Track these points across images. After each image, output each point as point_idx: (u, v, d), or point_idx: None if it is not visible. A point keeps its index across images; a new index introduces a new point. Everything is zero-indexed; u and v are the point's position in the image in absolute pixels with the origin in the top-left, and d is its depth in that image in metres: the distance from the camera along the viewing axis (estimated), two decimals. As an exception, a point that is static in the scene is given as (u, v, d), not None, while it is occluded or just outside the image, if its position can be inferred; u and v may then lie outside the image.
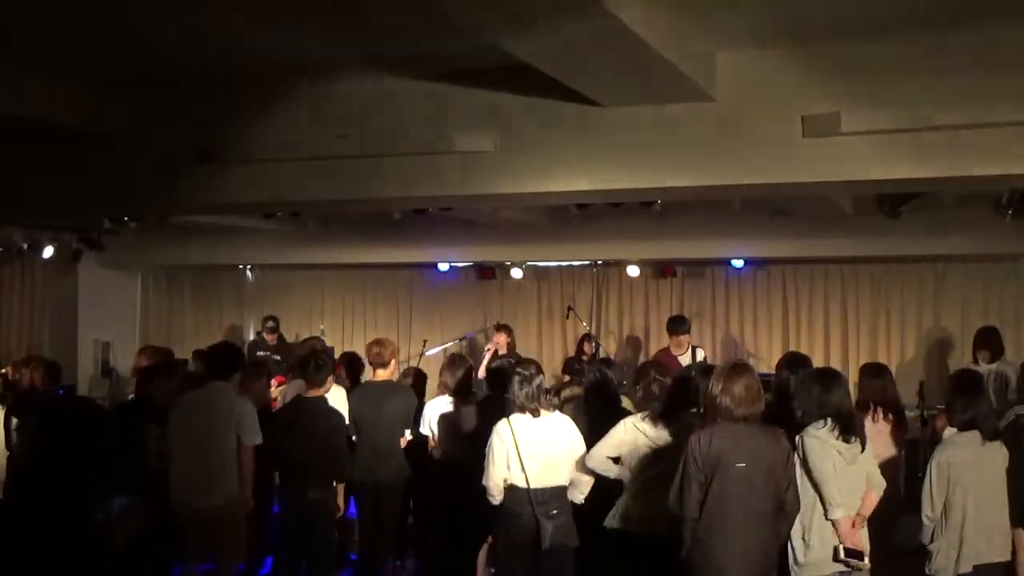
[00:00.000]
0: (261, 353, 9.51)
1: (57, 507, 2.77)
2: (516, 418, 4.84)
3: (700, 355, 8.69)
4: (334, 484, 5.65)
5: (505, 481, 4.81)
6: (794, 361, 5.18)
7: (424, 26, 4.30)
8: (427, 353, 9.91)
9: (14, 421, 6.03)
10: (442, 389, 6.03)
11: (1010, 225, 7.21)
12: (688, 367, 8.17)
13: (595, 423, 5.02)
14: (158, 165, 5.90)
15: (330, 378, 5.74)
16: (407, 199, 6.18)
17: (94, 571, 2.83)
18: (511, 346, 9.04)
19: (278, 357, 9.39)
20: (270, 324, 9.96)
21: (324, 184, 5.64)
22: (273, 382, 7.42)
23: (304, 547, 5.48)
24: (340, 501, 5.85)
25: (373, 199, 5.98)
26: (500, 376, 5.50)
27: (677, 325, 8.79)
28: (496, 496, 4.84)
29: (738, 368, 4.07)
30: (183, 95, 5.71)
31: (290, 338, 10.47)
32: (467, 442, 5.54)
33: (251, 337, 11.28)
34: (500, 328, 9.29)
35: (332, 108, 5.50)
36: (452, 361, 6.15)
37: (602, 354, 9.48)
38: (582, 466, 4.82)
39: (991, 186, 6.06)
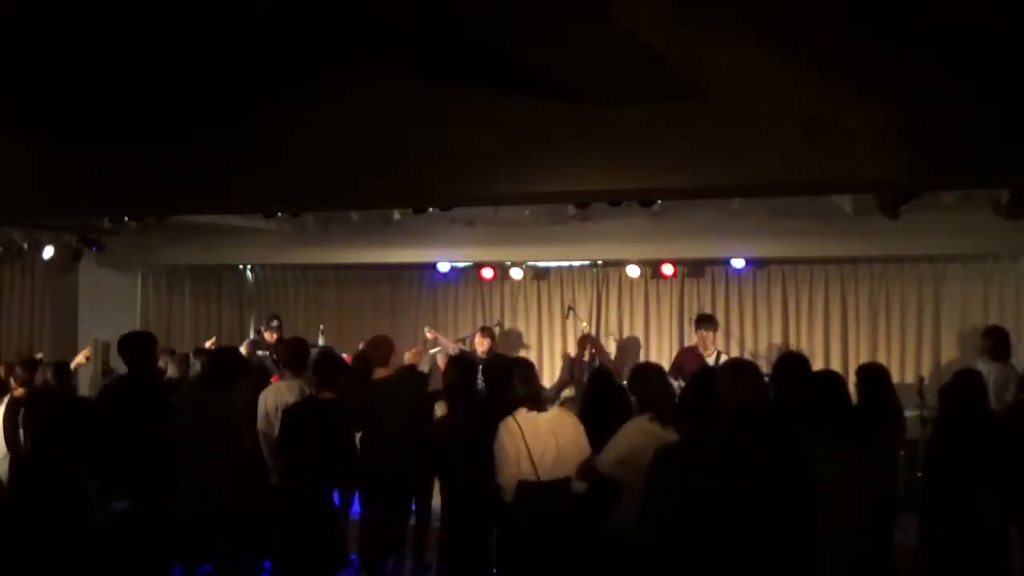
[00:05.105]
0: (260, 352, 9.50)
1: (57, 508, 2.77)
2: (521, 414, 4.88)
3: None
4: (342, 484, 5.68)
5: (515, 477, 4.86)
6: (792, 362, 5.15)
7: (426, 27, 4.30)
8: (428, 353, 9.91)
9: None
10: (442, 389, 6.04)
11: (1010, 225, 7.21)
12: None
13: (595, 424, 5.03)
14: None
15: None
16: (408, 200, 6.17)
17: (94, 572, 2.83)
18: (491, 350, 9.11)
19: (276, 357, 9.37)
20: (274, 323, 9.87)
21: (325, 186, 5.65)
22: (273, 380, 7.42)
23: (308, 547, 5.48)
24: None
25: (373, 200, 5.98)
26: (495, 376, 5.54)
27: (701, 322, 8.79)
28: (509, 493, 4.88)
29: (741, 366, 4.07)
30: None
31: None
32: (467, 442, 5.54)
33: (251, 336, 11.28)
34: (483, 331, 9.47)
35: (332, 108, 5.50)
36: (452, 361, 6.16)
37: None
38: (583, 470, 4.84)
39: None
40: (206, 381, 5.66)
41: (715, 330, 8.87)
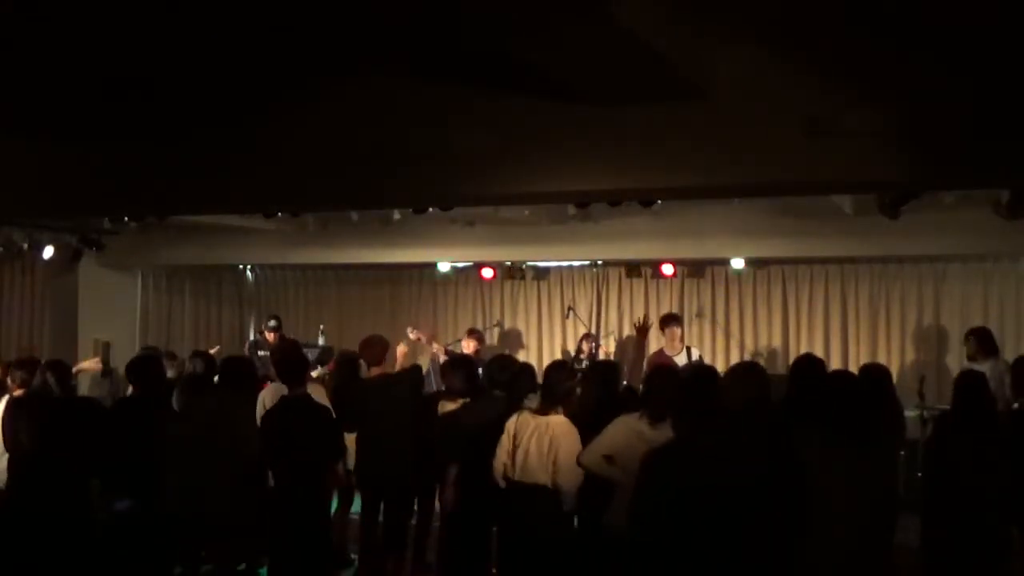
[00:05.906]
0: (261, 353, 9.53)
1: (58, 508, 2.77)
2: (522, 414, 5.06)
3: (695, 355, 8.73)
4: (331, 482, 5.67)
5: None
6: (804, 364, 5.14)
7: (426, 27, 4.30)
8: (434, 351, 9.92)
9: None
10: (444, 390, 6.05)
11: (1010, 225, 7.22)
12: (683, 367, 8.22)
13: (595, 423, 5.04)
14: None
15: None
16: (408, 200, 6.16)
17: (95, 572, 2.83)
18: (478, 353, 9.06)
19: None
20: (272, 324, 9.90)
21: (325, 186, 5.65)
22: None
23: (303, 547, 5.48)
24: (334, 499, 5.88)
25: (373, 200, 5.98)
26: (497, 376, 5.59)
27: (666, 321, 8.89)
28: (500, 481, 5.09)
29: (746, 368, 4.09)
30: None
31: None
32: (468, 442, 5.55)
33: (252, 337, 11.30)
34: (470, 333, 9.38)
35: (332, 108, 5.50)
36: (453, 362, 6.16)
37: (601, 355, 9.50)
38: (566, 474, 4.87)
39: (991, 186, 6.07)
40: (224, 385, 5.67)
41: (680, 326, 8.95)
